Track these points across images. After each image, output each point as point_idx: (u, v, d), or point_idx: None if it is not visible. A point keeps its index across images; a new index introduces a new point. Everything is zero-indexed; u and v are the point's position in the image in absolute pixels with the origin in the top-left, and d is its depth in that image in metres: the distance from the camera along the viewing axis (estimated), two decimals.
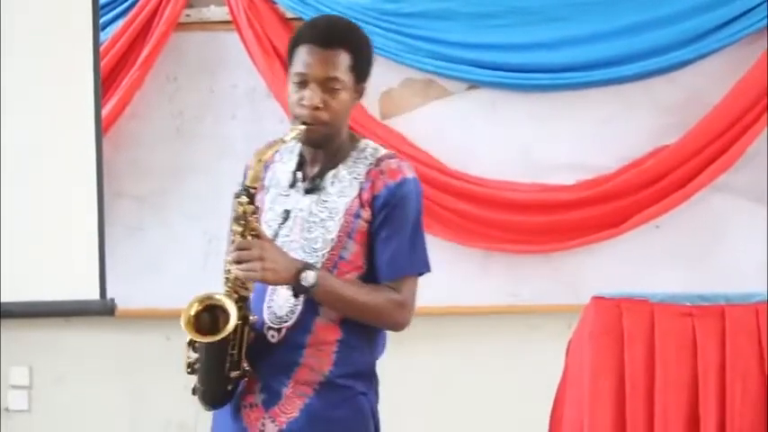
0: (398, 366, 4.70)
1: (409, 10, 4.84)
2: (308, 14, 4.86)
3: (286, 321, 2.81)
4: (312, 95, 2.75)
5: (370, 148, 2.86)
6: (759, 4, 4.73)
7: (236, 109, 4.99)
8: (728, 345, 3.39)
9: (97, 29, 4.60)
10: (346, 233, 2.79)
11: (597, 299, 3.52)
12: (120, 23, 4.92)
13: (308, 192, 2.83)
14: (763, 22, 4.73)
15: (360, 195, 2.80)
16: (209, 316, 2.78)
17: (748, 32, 4.76)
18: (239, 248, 2.72)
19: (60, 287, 4.52)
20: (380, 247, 2.80)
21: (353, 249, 2.81)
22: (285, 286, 2.78)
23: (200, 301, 2.78)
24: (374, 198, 2.79)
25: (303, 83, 2.77)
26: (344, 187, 2.81)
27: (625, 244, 4.82)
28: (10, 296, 4.50)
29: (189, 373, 2.84)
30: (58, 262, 4.54)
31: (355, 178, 2.82)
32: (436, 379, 4.86)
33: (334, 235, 2.80)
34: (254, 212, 2.75)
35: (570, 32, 4.80)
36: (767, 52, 4.73)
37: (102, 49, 4.72)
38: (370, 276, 2.83)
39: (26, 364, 5.03)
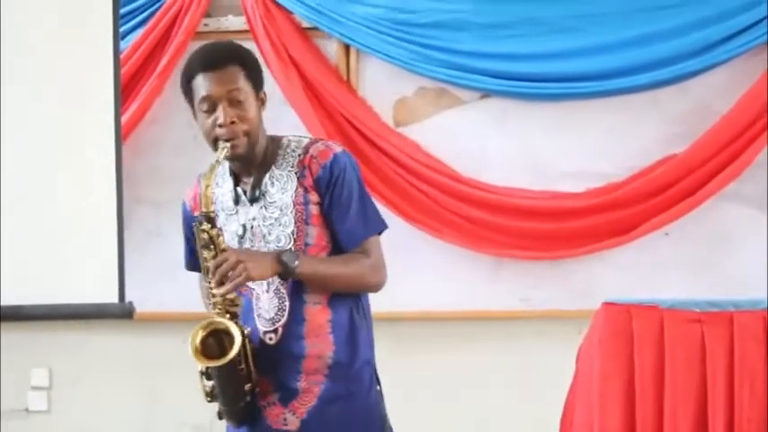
0: (410, 368, 4.74)
1: (423, 20, 4.85)
2: (324, 24, 4.90)
3: (279, 320, 2.91)
4: (224, 114, 2.85)
5: (293, 141, 2.97)
6: (765, 17, 4.73)
7: None
8: (737, 350, 3.38)
9: (117, 38, 4.62)
10: (303, 221, 2.90)
11: (607, 304, 3.51)
12: (140, 32, 4.96)
13: (252, 201, 2.93)
14: None
15: (301, 184, 2.91)
16: (213, 341, 2.86)
17: (755, 44, 4.77)
18: (217, 266, 2.80)
19: (80, 291, 4.54)
20: (337, 224, 2.92)
21: (315, 233, 2.92)
22: (270, 279, 2.88)
23: (204, 327, 2.85)
24: (316, 181, 2.91)
25: (211, 106, 2.86)
26: (284, 183, 2.92)
27: (634, 251, 4.82)
28: (31, 299, 4.52)
29: (209, 400, 2.93)
30: (78, 266, 4.55)
31: (290, 171, 2.92)
32: (448, 381, 4.87)
33: (292, 228, 2.91)
34: (218, 235, 2.85)
35: (581, 43, 4.81)
36: None
37: (122, 57, 4.74)
38: (336, 252, 2.95)
39: (46, 365, 5.06)
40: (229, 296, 2.83)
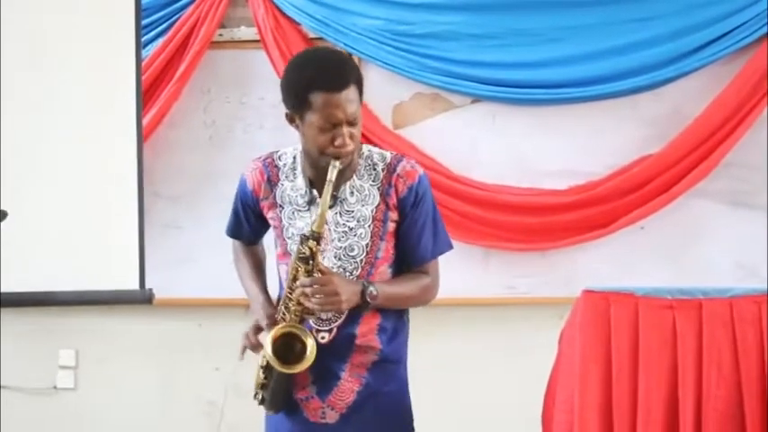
0: (408, 352, 4.72)
1: (420, 31, 4.84)
2: (329, 34, 4.88)
3: (335, 321, 2.82)
4: (344, 136, 2.71)
5: (375, 153, 2.85)
6: (735, 28, 4.72)
7: (264, 119, 5.00)
8: (705, 335, 3.36)
9: (139, 46, 4.62)
10: (378, 236, 2.81)
11: (587, 292, 3.49)
12: (160, 42, 4.94)
13: (329, 206, 2.77)
14: (738, 44, 4.73)
15: (384, 201, 2.80)
16: (282, 342, 2.75)
17: (726, 53, 4.75)
18: (314, 284, 2.69)
19: (104, 278, 4.54)
20: (411, 243, 2.83)
21: (385, 247, 2.83)
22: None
23: (282, 329, 2.75)
24: (400, 200, 2.81)
25: (333, 126, 2.71)
26: (365, 196, 2.81)
27: (613, 243, 4.81)
28: (60, 286, 4.52)
29: (259, 392, 2.82)
30: (102, 255, 4.55)
31: (372, 185, 2.82)
32: (442, 363, 4.85)
33: (367, 240, 2.80)
34: (319, 254, 2.72)
35: (565, 52, 4.80)
36: (742, 70, 4.73)
37: (143, 64, 4.74)
38: (397, 261, 2.87)
39: (73, 347, 5.05)
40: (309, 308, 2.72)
